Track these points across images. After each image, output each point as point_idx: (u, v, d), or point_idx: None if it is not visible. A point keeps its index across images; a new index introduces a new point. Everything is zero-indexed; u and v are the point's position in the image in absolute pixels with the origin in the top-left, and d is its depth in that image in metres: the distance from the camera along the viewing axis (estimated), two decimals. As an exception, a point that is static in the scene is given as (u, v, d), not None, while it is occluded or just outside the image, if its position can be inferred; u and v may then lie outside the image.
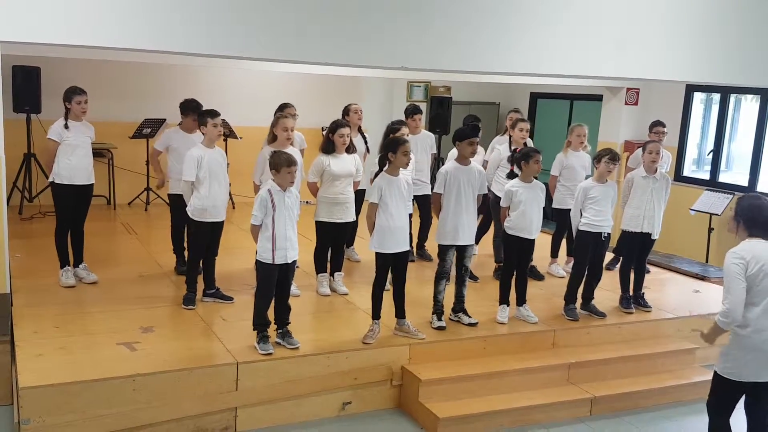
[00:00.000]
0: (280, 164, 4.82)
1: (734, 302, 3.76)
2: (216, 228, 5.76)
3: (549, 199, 7.30)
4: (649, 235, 6.19)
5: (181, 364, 4.62)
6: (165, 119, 9.20)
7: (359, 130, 6.99)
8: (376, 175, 5.20)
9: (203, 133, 5.70)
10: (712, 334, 3.96)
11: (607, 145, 8.94)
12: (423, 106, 10.30)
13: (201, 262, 5.83)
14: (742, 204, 3.98)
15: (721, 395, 3.99)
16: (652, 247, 6.42)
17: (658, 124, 7.53)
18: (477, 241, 7.66)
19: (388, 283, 5.27)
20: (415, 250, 7.50)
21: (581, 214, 5.98)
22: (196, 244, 5.78)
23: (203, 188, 5.59)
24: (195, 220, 5.65)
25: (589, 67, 5.12)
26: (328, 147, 5.97)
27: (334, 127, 5.99)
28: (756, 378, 3.86)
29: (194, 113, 6.21)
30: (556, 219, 7.20)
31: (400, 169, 5.18)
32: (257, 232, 4.89)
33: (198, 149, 5.64)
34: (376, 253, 5.17)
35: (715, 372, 3.98)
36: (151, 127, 9.38)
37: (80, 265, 6.24)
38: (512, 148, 6.69)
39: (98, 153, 8.03)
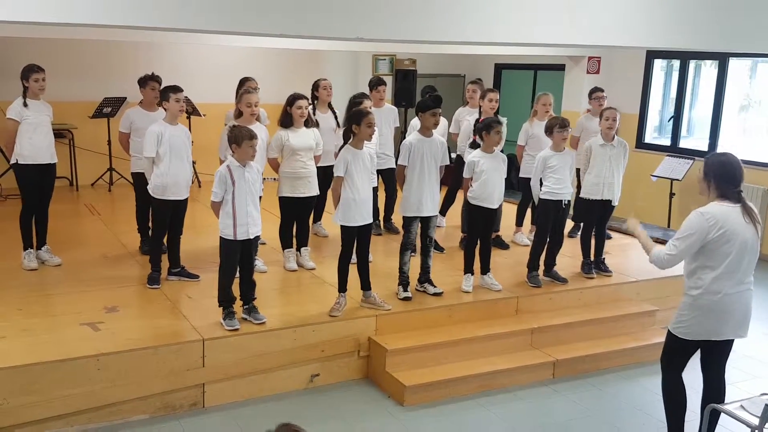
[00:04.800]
0: (242, 137, 4.78)
1: (676, 257, 3.87)
2: (179, 206, 5.72)
3: (516, 168, 7.40)
4: (609, 201, 6.31)
5: (146, 343, 4.62)
6: (125, 98, 9.07)
7: (329, 105, 6.93)
8: (341, 148, 5.21)
9: (165, 109, 5.64)
10: (640, 236, 4.11)
11: (569, 114, 9.05)
12: (388, 80, 10.27)
13: (164, 240, 5.81)
14: (710, 162, 3.88)
15: (673, 352, 4.10)
16: (612, 213, 6.53)
17: (596, 90, 7.66)
18: (444, 213, 7.74)
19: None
20: (382, 223, 7.55)
21: (541, 183, 6.06)
22: (158, 222, 5.74)
23: (163, 165, 5.53)
24: (156, 198, 5.61)
25: (547, 35, 5.13)
26: (286, 120, 5.94)
27: (292, 99, 5.94)
28: (707, 337, 3.96)
29: (153, 82, 6.18)
30: (523, 188, 7.27)
31: (365, 142, 5.20)
32: (218, 209, 4.87)
33: (158, 125, 5.57)
34: (342, 227, 5.20)
35: (668, 330, 4.09)
36: (111, 106, 9.25)
37: (43, 248, 6.18)
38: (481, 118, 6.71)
39: (58, 134, 7.90)
